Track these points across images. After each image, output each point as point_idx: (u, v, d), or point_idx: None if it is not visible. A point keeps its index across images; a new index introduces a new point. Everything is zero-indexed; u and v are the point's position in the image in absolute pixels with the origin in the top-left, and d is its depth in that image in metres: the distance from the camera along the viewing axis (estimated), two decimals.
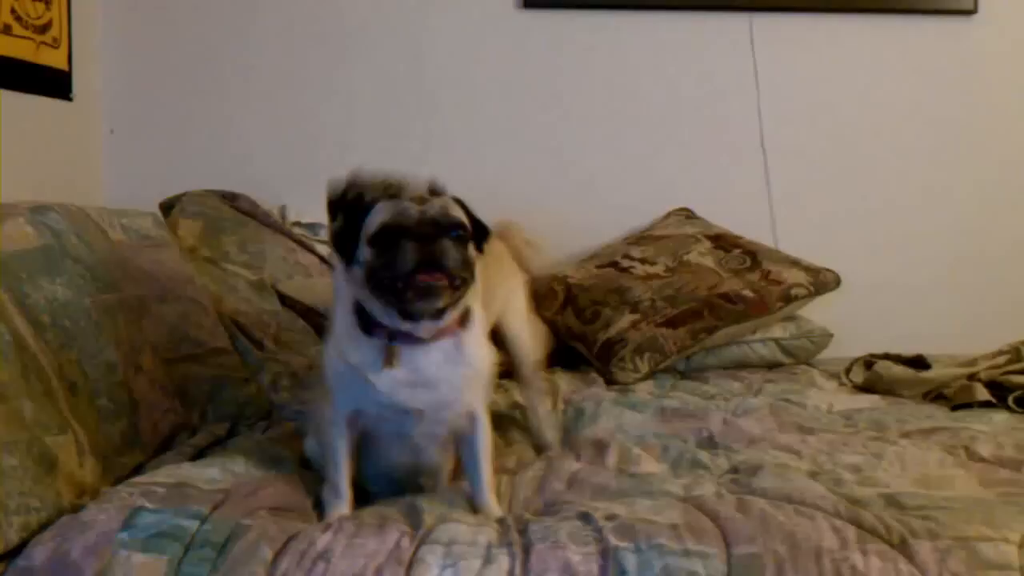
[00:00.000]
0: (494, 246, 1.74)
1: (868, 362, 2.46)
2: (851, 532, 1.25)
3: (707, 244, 2.73)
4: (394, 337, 1.42)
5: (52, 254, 1.61)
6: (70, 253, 1.64)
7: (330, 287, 2.63)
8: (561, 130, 2.98)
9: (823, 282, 2.65)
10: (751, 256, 2.70)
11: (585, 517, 1.30)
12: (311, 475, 1.57)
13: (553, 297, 2.61)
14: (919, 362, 2.38)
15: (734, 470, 1.62)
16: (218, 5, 2.97)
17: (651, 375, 2.44)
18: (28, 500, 1.28)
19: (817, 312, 2.68)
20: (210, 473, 1.47)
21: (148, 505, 1.30)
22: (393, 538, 1.26)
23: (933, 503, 1.37)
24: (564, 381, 2.35)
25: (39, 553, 1.23)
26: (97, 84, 2.89)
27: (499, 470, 1.60)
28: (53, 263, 1.60)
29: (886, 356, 2.45)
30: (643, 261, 2.69)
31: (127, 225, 1.90)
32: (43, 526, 1.28)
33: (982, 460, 1.65)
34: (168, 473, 1.46)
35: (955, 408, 2.09)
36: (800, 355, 2.63)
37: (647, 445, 1.76)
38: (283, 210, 2.90)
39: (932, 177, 2.97)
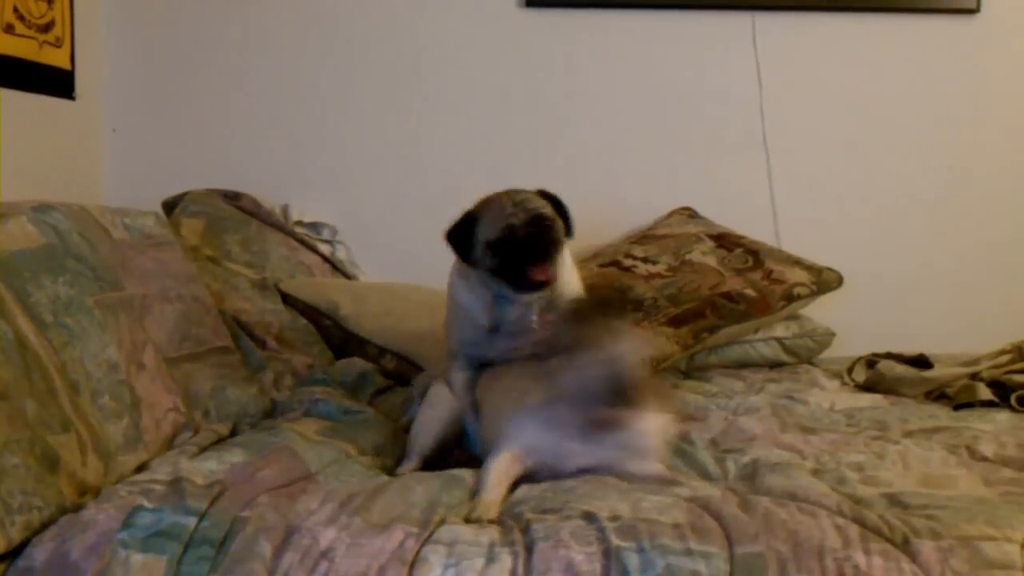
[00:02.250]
0: None
1: (870, 361, 2.45)
2: (854, 531, 1.25)
3: (709, 243, 2.73)
4: None
5: (54, 253, 1.61)
6: (72, 252, 1.65)
7: (334, 286, 2.64)
8: (563, 129, 2.98)
9: (825, 281, 2.65)
10: (753, 255, 2.69)
11: (589, 517, 1.30)
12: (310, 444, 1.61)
13: None
14: (921, 361, 2.38)
15: (737, 468, 1.61)
16: (220, 5, 2.97)
17: (652, 374, 2.43)
18: (30, 499, 1.28)
19: (819, 311, 2.68)
20: (207, 466, 1.47)
21: (147, 504, 1.30)
22: (397, 538, 1.26)
23: (936, 502, 1.37)
24: None
25: (39, 553, 1.24)
26: (99, 83, 2.89)
27: None
28: (55, 262, 1.60)
29: (888, 355, 2.45)
30: (645, 260, 2.69)
31: (129, 224, 1.90)
32: (45, 525, 1.28)
33: (985, 459, 1.65)
34: (166, 469, 1.46)
35: (957, 407, 2.09)
36: (802, 354, 2.63)
37: None
38: (285, 209, 2.90)
39: (934, 176, 2.97)
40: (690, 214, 2.91)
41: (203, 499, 1.32)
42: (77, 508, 1.32)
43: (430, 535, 1.27)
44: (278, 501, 1.34)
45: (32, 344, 1.45)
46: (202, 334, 1.92)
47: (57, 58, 2.62)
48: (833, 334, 2.64)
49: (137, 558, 1.22)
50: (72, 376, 1.51)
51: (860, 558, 1.21)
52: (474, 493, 1.46)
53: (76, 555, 1.23)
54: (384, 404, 2.12)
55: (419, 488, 1.43)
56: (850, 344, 2.63)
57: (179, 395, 1.74)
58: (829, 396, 2.21)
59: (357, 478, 1.54)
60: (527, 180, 2.95)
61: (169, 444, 1.65)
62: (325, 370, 2.26)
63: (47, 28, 2.56)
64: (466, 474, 1.54)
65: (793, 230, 2.92)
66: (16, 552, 1.25)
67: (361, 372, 2.27)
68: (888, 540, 1.24)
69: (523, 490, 1.48)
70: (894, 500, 1.40)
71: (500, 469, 1.50)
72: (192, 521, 1.27)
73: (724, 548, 1.23)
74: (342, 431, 1.78)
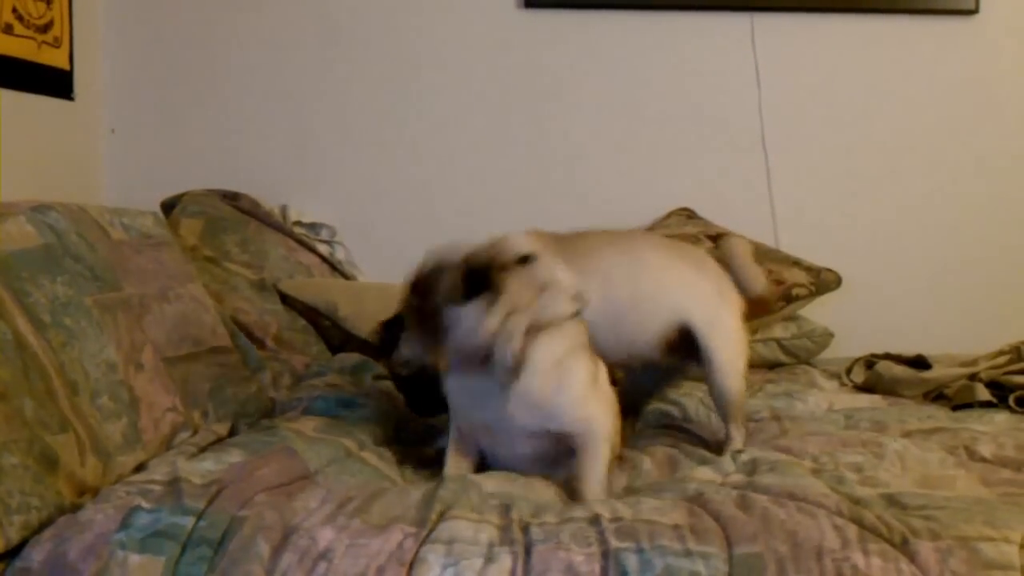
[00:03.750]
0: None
1: (869, 362, 2.46)
2: (852, 531, 1.25)
3: (708, 244, 2.73)
4: None
5: (53, 253, 1.61)
6: (71, 252, 1.64)
7: (333, 287, 2.64)
8: (561, 130, 2.98)
9: (824, 282, 2.65)
10: None
11: (590, 518, 1.30)
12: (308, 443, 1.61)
13: None
14: (920, 362, 2.38)
15: (737, 467, 1.61)
16: (219, 5, 2.97)
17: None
18: (29, 499, 1.28)
19: (818, 312, 2.69)
20: (205, 466, 1.47)
21: (144, 504, 1.30)
22: (396, 538, 1.26)
23: (934, 503, 1.36)
24: None
25: (36, 554, 1.23)
26: (98, 84, 2.89)
27: None
28: (54, 262, 1.60)
29: (887, 356, 2.45)
30: None
31: (128, 224, 1.89)
32: (43, 525, 1.28)
33: (983, 460, 1.65)
34: (164, 470, 1.46)
35: (956, 408, 2.09)
36: (801, 355, 2.63)
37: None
38: (284, 210, 2.90)
39: (933, 177, 2.97)
40: (688, 215, 2.91)
41: (201, 499, 1.32)
42: (76, 508, 1.32)
43: (428, 534, 1.27)
44: (276, 500, 1.34)
45: (30, 344, 1.45)
46: (200, 334, 1.92)
47: (56, 58, 2.62)
48: (831, 335, 2.64)
49: (135, 558, 1.22)
50: (70, 376, 1.50)
51: (859, 558, 1.21)
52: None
53: (73, 555, 1.22)
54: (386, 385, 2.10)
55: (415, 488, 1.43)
56: (848, 345, 2.63)
57: (177, 395, 1.74)
58: (827, 397, 2.22)
59: (357, 478, 1.53)
60: (526, 180, 2.97)
61: (168, 444, 1.65)
62: (322, 364, 2.26)
63: (46, 28, 2.55)
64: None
65: (792, 231, 2.92)
66: (14, 553, 1.25)
67: (359, 361, 2.27)
68: (887, 540, 1.24)
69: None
70: (892, 500, 1.39)
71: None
72: (190, 521, 1.26)
73: (723, 549, 1.23)
74: (341, 426, 1.77)
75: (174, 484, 1.37)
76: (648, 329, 1.75)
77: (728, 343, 1.75)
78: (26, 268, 1.54)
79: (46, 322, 1.51)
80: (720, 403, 1.77)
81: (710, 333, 1.73)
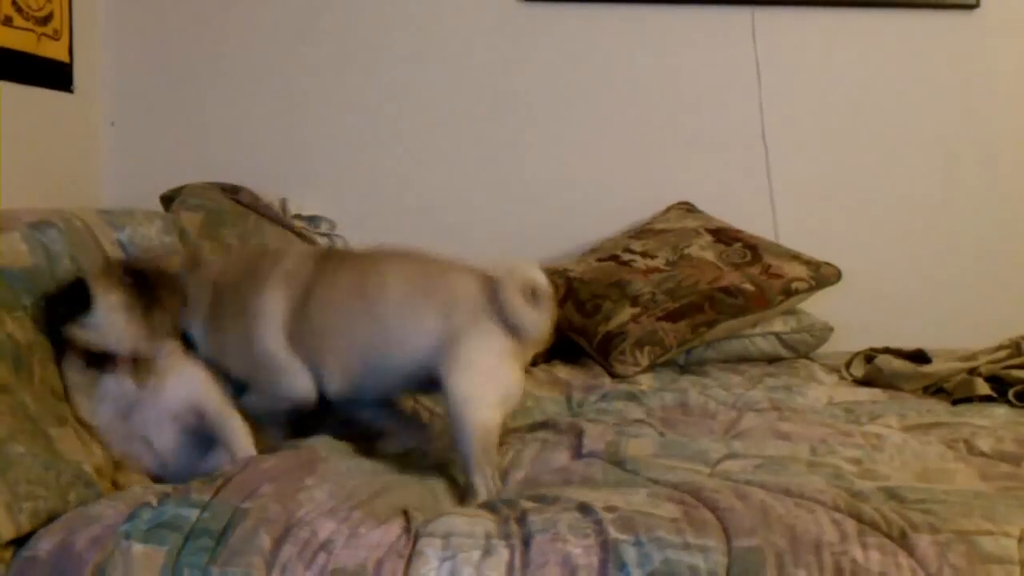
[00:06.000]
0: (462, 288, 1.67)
1: (868, 356, 2.46)
2: (851, 525, 1.25)
3: (708, 238, 2.73)
4: None
5: (39, 277, 1.56)
6: (58, 277, 1.59)
7: None
8: (561, 124, 2.98)
9: (824, 276, 2.65)
10: (752, 250, 2.69)
11: (585, 509, 1.30)
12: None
13: (554, 290, 2.61)
14: (919, 356, 2.38)
15: (735, 462, 1.61)
16: None
17: (651, 368, 2.44)
18: (35, 488, 1.29)
19: (817, 306, 2.69)
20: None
21: (153, 501, 1.31)
22: (395, 532, 1.26)
23: (933, 497, 1.37)
24: (566, 373, 2.37)
25: (45, 544, 1.24)
26: (98, 76, 2.89)
27: None
28: (38, 287, 1.55)
29: (886, 350, 2.45)
30: (644, 255, 2.69)
31: (128, 239, 1.83)
32: (51, 515, 1.29)
33: (982, 454, 1.65)
34: None
35: (955, 402, 2.09)
36: (800, 349, 2.63)
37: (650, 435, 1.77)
38: (284, 203, 2.90)
39: (934, 171, 2.97)
40: (688, 208, 2.91)
41: (207, 491, 1.33)
42: (82, 499, 1.34)
43: (424, 527, 1.27)
44: (280, 490, 1.34)
45: (22, 346, 1.46)
46: None
47: (55, 51, 2.62)
48: (831, 329, 2.64)
49: (138, 548, 1.23)
50: (57, 383, 1.51)
51: (858, 552, 1.21)
52: None
53: (80, 546, 1.23)
54: None
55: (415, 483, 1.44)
56: (848, 339, 2.63)
57: None
58: (827, 391, 2.22)
59: (366, 466, 1.54)
60: (526, 175, 2.97)
61: None
62: None
63: (45, 21, 2.55)
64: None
65: (791, 225, 2.92)
66: (23, 542, 1.25)
67: None
68: (885, 534, 1.24)
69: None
70: (891, 494, 1.40)
71: None
72: (194, 513, 1.28)
73: (722, 542, 1.22)
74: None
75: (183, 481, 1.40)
76: (394, 372, 1.67)
77: (468, 377, 1.57)
78: (10, 289, 1.52)
79: (31, 336, 1.50)
80: (458, 439, 1.54)
81: (449, 369, 1.57)
